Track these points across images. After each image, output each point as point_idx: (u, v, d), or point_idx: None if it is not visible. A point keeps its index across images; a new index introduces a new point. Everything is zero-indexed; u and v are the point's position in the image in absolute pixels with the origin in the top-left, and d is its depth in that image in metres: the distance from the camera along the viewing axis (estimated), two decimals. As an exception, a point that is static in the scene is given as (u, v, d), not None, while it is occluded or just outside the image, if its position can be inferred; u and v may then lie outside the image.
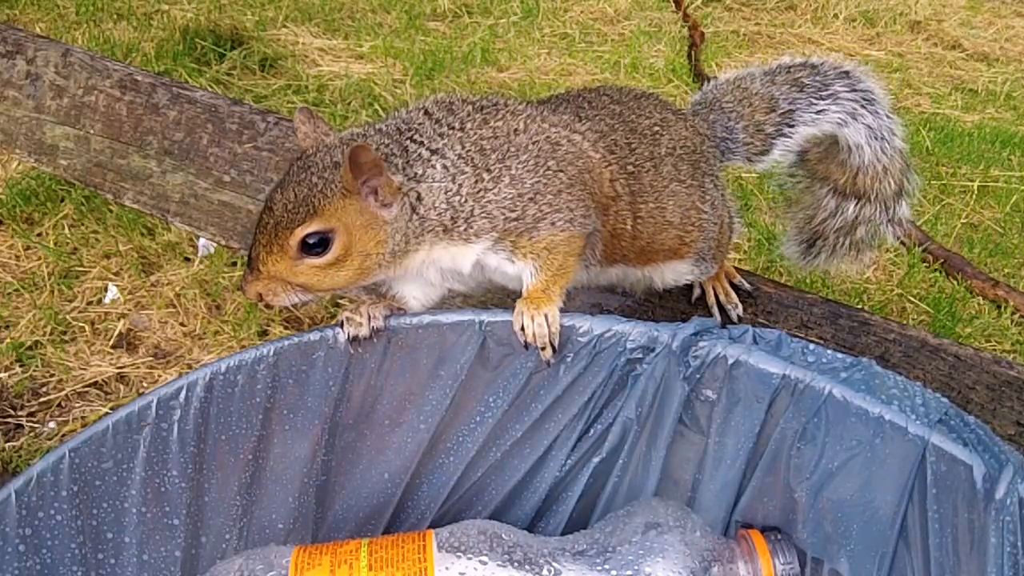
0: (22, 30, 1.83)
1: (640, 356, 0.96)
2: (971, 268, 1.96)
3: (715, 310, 1.28)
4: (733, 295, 1.29)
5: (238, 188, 1.55)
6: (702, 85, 2.90)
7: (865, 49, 3.34)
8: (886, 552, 0.89)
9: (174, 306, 1.81)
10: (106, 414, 1.04)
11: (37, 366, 1.68)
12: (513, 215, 0.95)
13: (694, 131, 1.18)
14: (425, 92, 2.73)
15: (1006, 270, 2.06)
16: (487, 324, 0.97)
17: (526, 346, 0.96)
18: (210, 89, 2.28)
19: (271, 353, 0.97)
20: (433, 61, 2.92)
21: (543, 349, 0.95)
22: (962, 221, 2.19)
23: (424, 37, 3.13)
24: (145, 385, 1.65)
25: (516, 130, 0.98)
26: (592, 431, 1.00)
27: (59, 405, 1.62)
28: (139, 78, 1.67)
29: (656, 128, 1.12)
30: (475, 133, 0.96)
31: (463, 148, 0.95)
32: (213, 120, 1.59)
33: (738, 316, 1.26)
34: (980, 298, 1.91)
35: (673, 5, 3.62)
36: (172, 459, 0.94)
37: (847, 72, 1.19)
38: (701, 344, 0.95)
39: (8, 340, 1.71)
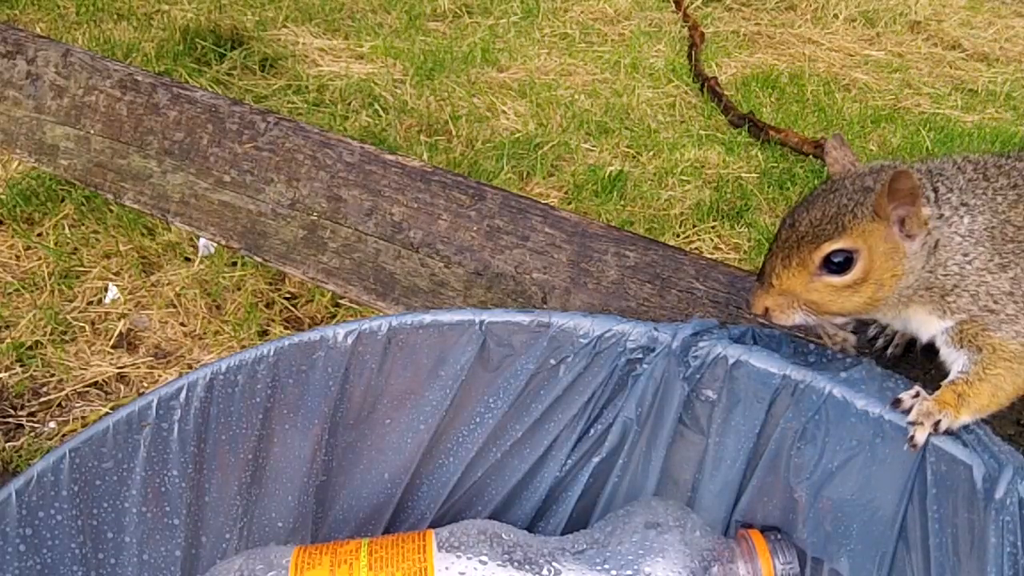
0: (22, 30, 1.83)
1: (640, 356, 0.96)
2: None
3: None
4: None
5: (238, 188, 1.55)
6: (702, 85, 2.91)
7: (865, 49, 3.34)
8: (886, 552, 0.89)
9: (174, 306, 1.81)
10: (106, 414, 1.05)
11: (37, 366, 1.68)
12: (995, 306, 0.91)
13: None
14: (425, 92, 2.73)
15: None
16: (487, 324, 0.97)
17: (896, 403, 0.91)
18: (210, 89, 2.28)
19: (271, 353, 0.97)
20: (433, 61, 2.92)
21: (911, 435, 0.89)
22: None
23: (424, 37, 3.13)
24: (145, 385, 1.65)
25: None
26: (592, 431, 1.00)
27: (59, 405, 1.62)
28: (139, 78, 1.67)
29: None
30: (1007, 211, 0.92)
31: (991, 219, 0.91)
32: (213, 120, 1.59)
33: None
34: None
35: (673, 5, 3.62)
36: (172, 459, 0.94)
37: None
38: (701, 344, 0.95)
39: (8, 340, 1.71)
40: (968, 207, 0.91)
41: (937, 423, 0.87)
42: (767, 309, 0.91)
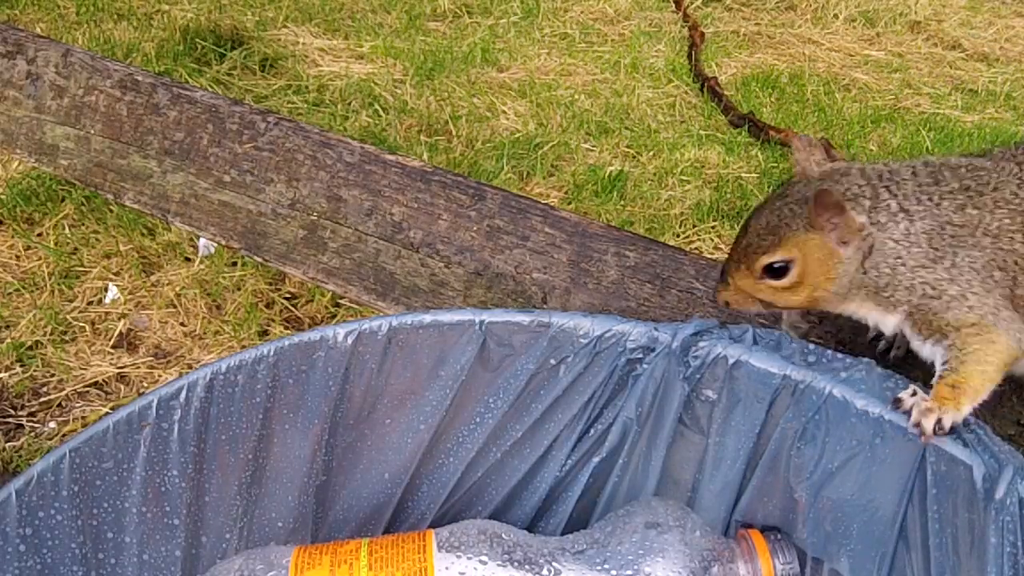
0: (22, 30, 1.83)
1: (640, 356, 0.96)
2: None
3: None
4: None
5: (238, 188, 1.55)
6: (702, 85, 2.91)
7: (865, 49, 3.34)
8: (886, 552, 0.89)
9: (174, 306, 1.81)
10: (106, 414, 1.05)
11: (37, 366, 1.68)
12: (934, 293, 0.96)
13: None
14: (425, 92, 2.73)
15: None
16: (487, 324, 0.97)
17: (896, 403, 0.93)
18: (210, 89, 2.28)
19: (271, 353, 0.97)
20: (433, 61, 2.92)
21: (918, 429, 0.91)
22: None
23: (424, 37, 3.13)
24: (145, 385, 1.65)
25: (987, 230, 0.96)
26: (592, 431, 1.00)
27: (59, 405, 1.62)
28: (139, 78, 1.67)
29: None
30: (946, 215, 0.97)
31: (931, 224, 0.96)
32: (213, 120, 1.59)
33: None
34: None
35: (673, 5, 3.62)
36: (172, 459, 0.94)
37: None
38: (701, 344, 0.95)
39: (8, 340, 1.71)
40: (907, 212, 0.97)
41: (939, 421, 0.89)
42: (727, 302, 1.03)
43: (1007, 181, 0.98)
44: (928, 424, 0.89)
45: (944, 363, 0.96)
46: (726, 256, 1.04)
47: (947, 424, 0.89)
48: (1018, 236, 0.96)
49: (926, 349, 0.99)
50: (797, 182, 1.02)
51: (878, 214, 0.98)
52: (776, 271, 0.98)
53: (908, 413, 0.91)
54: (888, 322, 1.00)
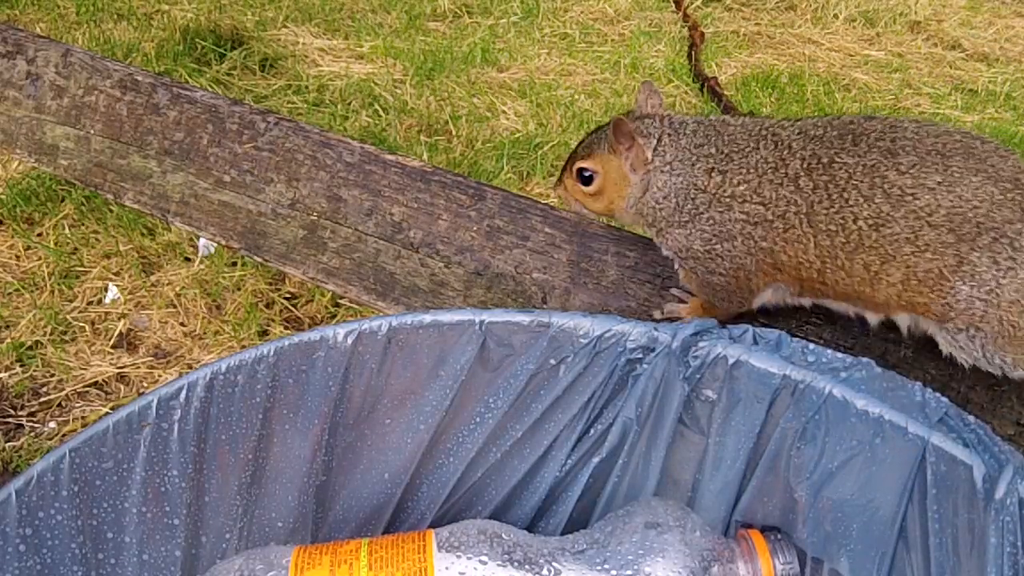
0: (22, 30, 1.84)
1: (640, 356, 0.96)
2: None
3: None
4: None
5: (238, 188, 1.55)
6: (702, 86, 2.91)
7: (865, 49, 3.34)
8: (886, 552, 0.89)
9: (174, 306, 1.81)
10: (106, 414, 1.05)
11: (37, 366, 1.68)
12: (683, 255, 1.17)
13: (998, 202, 1.03)
14: (425, 92, 2.73)
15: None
16: (487, 324, 0.97)
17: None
18: (210, 89, 2.28)
19: (271, 353, 0.97)
20: (433, 61, 2.92)
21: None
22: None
23: (424, 37, 3.13)
24: (145, 385, 1.65)
25: (721, 200, 1.13)
26: (592, 431, 1.00)
27: (59, 405, 1.62)
28: (139, 78, 1.67)
29: (916, 190, 1.04)
30: (699, 178, 1.14)
31: (684, 182, 1.15)
32: (213, 120, 1.59)
33: None
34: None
35: (673, 5, 3.62)
36: (172, 459, 0.94)
37: None
38: (701, 344, 0.95)
39: (8, 340, 1.71)
40: (670, 166, 1.15)
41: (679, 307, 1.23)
42: (559, 197, 1.27)
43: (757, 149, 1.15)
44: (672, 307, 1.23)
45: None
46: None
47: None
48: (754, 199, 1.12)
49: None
50: (623, 116, 1.17)
51: (655, 157, 1.17)
52: (585, 178, 1.21)
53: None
54: (662, 250, 1.21)
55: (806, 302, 1.18)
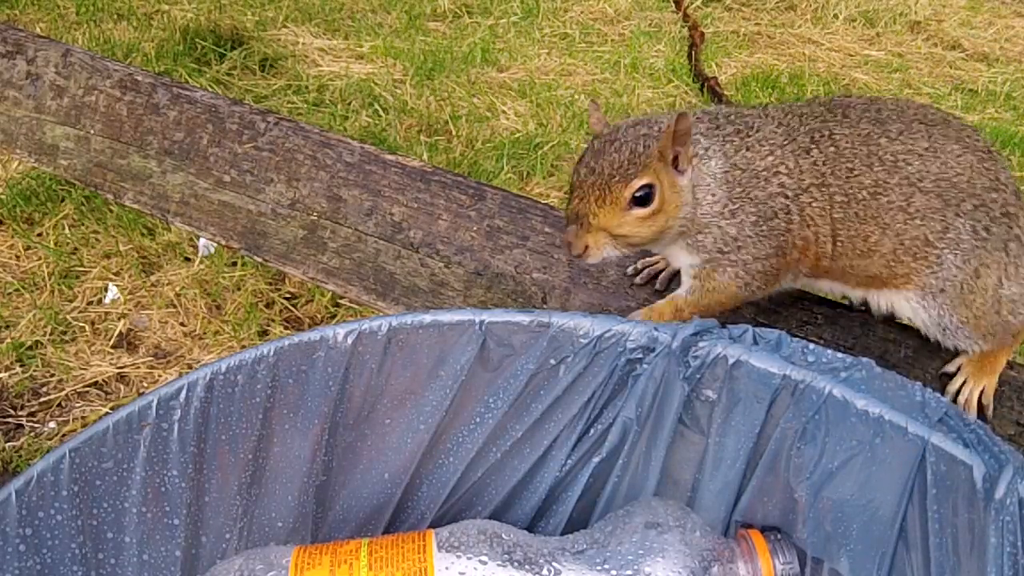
0: (22, 30, 1.84)
1: (640, 356, 0.96)
2: (971, 268, 1.96)
3: (950, 396, 1.16)
4: (974, 405, 1.16)
5: (238, 188, 1.55)
6: (702, 86, 2.91)
7: (865, 49, 3.34)
8: (886, 552, 0.89)
9: (174, 306, 1.81)
10: (106, 414, 1.05)
11: (37, 366, 1.68)
12: (725, 248, 1.09)
13: (982, 173, 1.09)
14: (425, 92, 2.73)
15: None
16: (487, 324, 0.97)
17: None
18: (210, 89, 2.28)
19: (271, 353, 0.97)
20: (433, 61, 2.92)
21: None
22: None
23: (424, 37, 3.13)
24: (145, 385, 1.65)
25: (757, 175, 1.08)
26: (592, 431, 1.00)
27: (59, 405, 1.62)
28: (139, 78, 1.67)
29: (907, 156, 1.08)
30: (734, 155, 1.08)
31: (723, 163, 1.08)
32: (213, 120, 1.59)
33: (980, 420, 1.11)
34: (980, 298, 1.91)
35: (673, 5, 3.61)
36: (172, 459, 0.94)
37: None
38: (701, 344, 0.95)
39: (8, 340, 1.71)
40: (708, 152, 1.09)
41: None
42: (587, 247, 1.06)
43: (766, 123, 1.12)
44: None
45: (685, 292, 1.14)
46: (571, 206, 1.07)
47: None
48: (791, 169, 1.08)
49: (687, 282, 1.14)
50: (616, 131, 1.09)
51: (695, 148, 1.08)
52: (642, 199, 1.04)
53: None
54: (686, 262, 1.12)
55: (794, 286, 1.19)
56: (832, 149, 1.09)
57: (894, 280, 1.12)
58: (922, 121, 1.11)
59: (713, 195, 1.08)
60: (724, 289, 1.12)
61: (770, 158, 1.09)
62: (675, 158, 1.05)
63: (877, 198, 1.08)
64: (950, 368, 1.18)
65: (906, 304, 1.14)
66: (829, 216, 1.09)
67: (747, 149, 1.09)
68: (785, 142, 1.09)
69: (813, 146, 1.09)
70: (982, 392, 1.16)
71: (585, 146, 1.13)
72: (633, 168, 1.04)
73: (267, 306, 1.81)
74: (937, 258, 1.09)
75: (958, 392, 1.17)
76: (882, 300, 1.16)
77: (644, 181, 1.04)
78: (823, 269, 1.13)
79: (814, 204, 1.09)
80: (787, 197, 1.09)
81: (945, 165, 1.08)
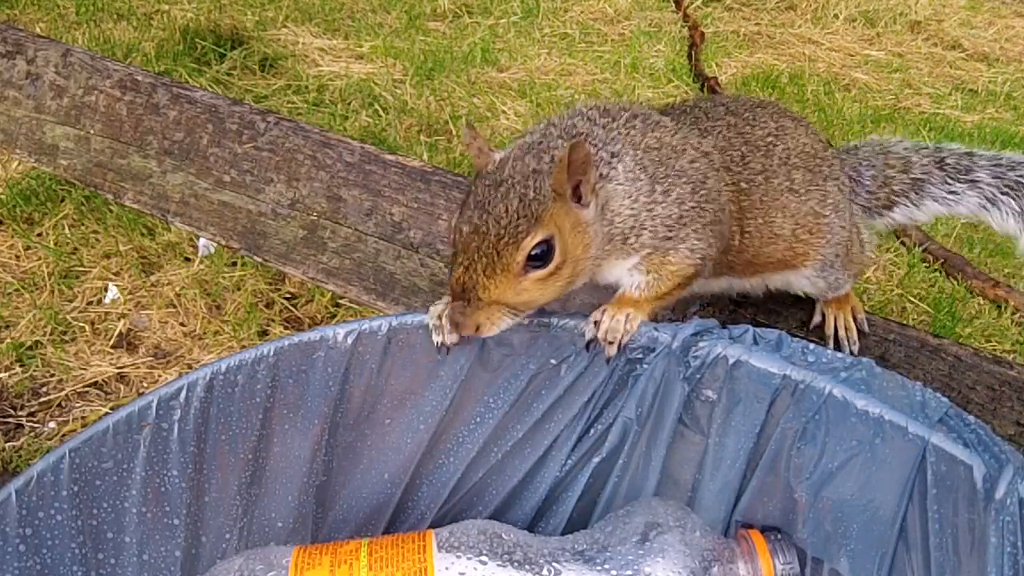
0: (22, 30, 1.84)
1: (640, 356, 0.96)
2: (971, 268, 1.96)
3: (831, 341, 1.22)
4: (854, 330, 1.23)
5: (238, 188, 1.55)
6: (703, 86, 2.91)
7: (865, 49, 3.34)
8: (886, 552, 0.89)
9: (174, 306, 1.81)
10: (106, 414, 1.04)
11: (37, 366, 1.68)
12: (670, 234, 0.96)
13: (814, 137, 1.16)
14: (425, 92, 2.73)
15: (1006, 270, 2.06)
16: (487, 324, 0.97)
17: (588, 346, 0.93)
18: (210, 89, 2.28)
19: (271, 353, 0.97)
20: (433, 61, 2.92)
21: (609, 344, 0.91)
22: (962, 221, 2.19)
23: (424, 37, 3.13)
24: (145, 385, 1.65)
25: (675, 148, 1.00)
26: (592, 431, 1.00)
27: (59, 405, 1.62)
28: (139, 78, 1.67)
29: (770, 138, 1.12)
30: (642, 141, 0.97)
31: (635, 154, 0.95)
32: (213, 120, 1.59)
33: (852, 351, 1.21)
34: (980, 298, 1.91)
35: (673, 5, 3.61)
36: (172, 459, 0.94)
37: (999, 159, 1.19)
38: (701, 344, 0.95)
39: (8, 340, 1.71)
40: (617, 155, 0.95)
41: (625, 333, 0.94)
42: (478, 327, 0.88)
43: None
44: (616, 339, 0.94)
45: (636, 287, 1.00)
46: (456, 275, 0.89)
47: (632, 330, 0.95)
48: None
49: (635, 278, 1.00)
50: (503, 164, 0.91)
51: (599, 167, 0.93)
52: (539, 256, 0.87)
53: (598, 328, 0.95)
54: (620, 269, 0.99)
55: (707, 288, 1.17)
56: (722, 140, 1.10)
57: (794, 260, 1.15)
58: (754, 106, 1.16)
59: (632, 195, 0.95)
60: (681, 271, 0.99)
61: (678, 135, 1.02)
62: (575, 189, 0.89)
63: (770, 181, 1.11)
64: (816, 319, 1.26)
65: (804, 280, 1.19)
66: (739, 205, 1.09)
67: (652, 130, 1.00)
68: (682, 127, 1.07)
69: (707, 135, 1.09)
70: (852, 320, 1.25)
71: (467, 189, 0.95)
72: (524, 222, 0.85)
73: (267, 306, 1.81)
74: (828, 226, 1.14)
75: (836, 333, 1.24)
76: (778, 280, 1.20)
77: (539, 237, 0.86)
78: (726, 264, 1.11)
79: (724, 189, 1.07)
80: (712, 168, 1.05)
81: (796, 140, 1.14)
